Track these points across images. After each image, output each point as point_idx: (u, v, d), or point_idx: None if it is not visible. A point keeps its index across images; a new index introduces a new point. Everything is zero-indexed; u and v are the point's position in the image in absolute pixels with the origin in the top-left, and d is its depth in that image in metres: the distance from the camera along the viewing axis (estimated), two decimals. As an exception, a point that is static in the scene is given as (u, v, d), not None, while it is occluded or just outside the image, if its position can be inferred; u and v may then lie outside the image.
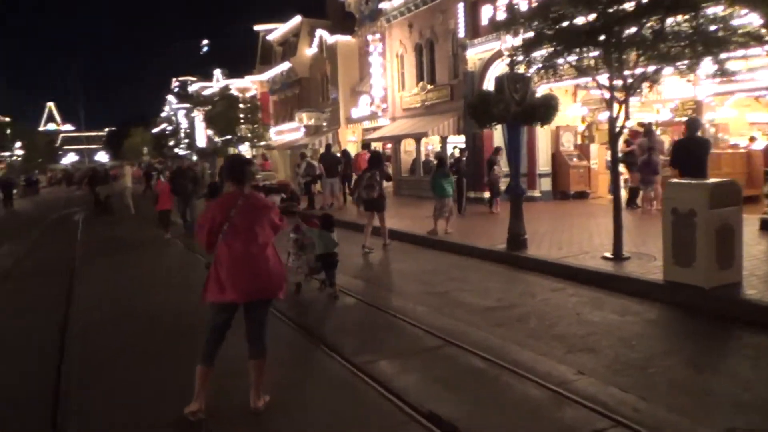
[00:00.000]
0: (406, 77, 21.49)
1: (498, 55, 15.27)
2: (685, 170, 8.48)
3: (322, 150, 21.67)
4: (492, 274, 8.29)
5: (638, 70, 7.51)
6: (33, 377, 4.93)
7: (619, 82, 7.66)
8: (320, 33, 26.88)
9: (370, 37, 22.14)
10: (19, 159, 64.15)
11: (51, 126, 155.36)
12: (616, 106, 7.83)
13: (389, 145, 23.15)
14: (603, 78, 7.89)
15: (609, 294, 6.71)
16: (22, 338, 6.17)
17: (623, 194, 13.30)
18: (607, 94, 7.92)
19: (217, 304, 3.82)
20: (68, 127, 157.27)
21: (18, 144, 65.56)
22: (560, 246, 9.08)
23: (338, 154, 19.41)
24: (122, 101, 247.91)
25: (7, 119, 67.97)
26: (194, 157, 42.80)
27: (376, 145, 23.92)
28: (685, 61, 7.16)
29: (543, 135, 15.68)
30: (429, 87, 20.01)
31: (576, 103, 16.44)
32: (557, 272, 7.79)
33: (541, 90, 10.19)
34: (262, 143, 31.75)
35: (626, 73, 7.61)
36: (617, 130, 7.99)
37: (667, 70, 7.71)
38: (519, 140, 9.11)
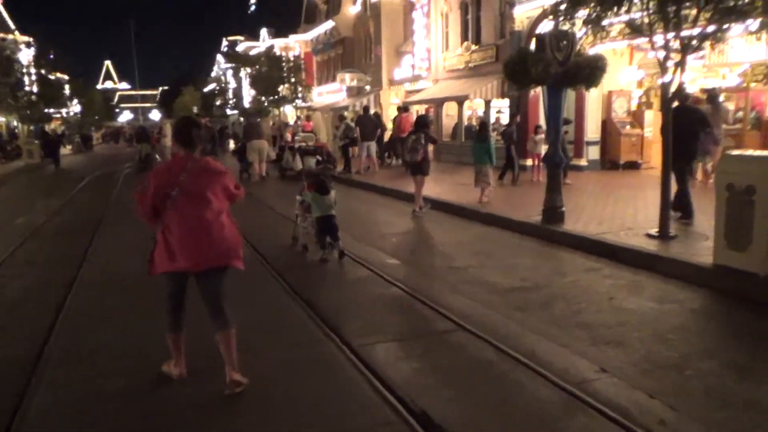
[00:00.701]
0: (450, 37, 20.51)
1: (544, 15, 14.21)
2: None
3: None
4: (522, 249, 7.70)
5: (697, 30, 6.63)
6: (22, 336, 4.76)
7: (676, 44, 6.81)
8: (364, -10, 25.99)
9: (414, -6, 21.17)
10: (77, 116, 66.12)
11: (108, 84, 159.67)
12: (670, 68, 6.98)
13: (430, 109, 22.35)
14: (659, 38, 7.03)
15: (649, 277, 6.05)
16: (23, 294, 6.06)
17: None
18: (661, 54, 7.06)
19: (167, 273, 3.64)
20: (124, 85, 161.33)
21: (75, 101, 67.59)
22: (600, 221, 8.36)
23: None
24: (176, 61, 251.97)
25: (66, 77, 69.99)
26: (241, 119, 42.90)
27: (418, 108, 23.18)
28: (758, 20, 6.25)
29: (593, 100, 14.63)
30: (473, 47, 19.02)
31: (631, 66, 15.22)
32: (594, 250, 7.14)
33: (592, 52, 9.32)
34: (304, 104, 31.37)
35: (684, 33, 6.74)
36: (670, 95, 7.14)
37: (736, 29, 6.79)
38: (560, 105, 8.33)
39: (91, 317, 5.33)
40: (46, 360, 4.33)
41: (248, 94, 41.35)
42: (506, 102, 17.42)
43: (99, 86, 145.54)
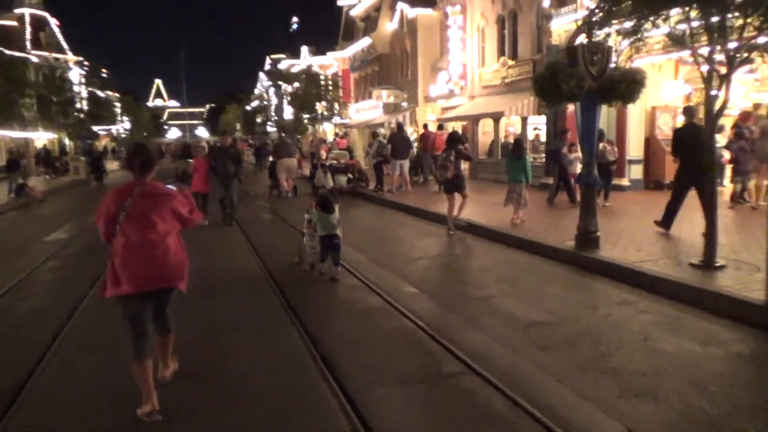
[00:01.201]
0: (486, 52, 20.09)
1: (582, 29, 13.63)
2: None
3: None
4: (552, 277, 7.14)
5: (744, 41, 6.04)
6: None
7: (721, 56, 6.22)
8: (401, 6, 25.83)
9: (449, 9, 20.84)
10: (126, 132, 68.35)
11: (158, 101, 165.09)
12: (715, 83, 6.38)
13: (467, 126, 21.87)
14: (704, 50, 6.45)
15: (691, 313, 5.43)
16: (25, 319, 5.89)
17: (729, 186, 11.52)
18: (705, 68, 6.47)
19: (120, 297, 3.61)
20: (173, 103, 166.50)
21: (125, 118, 69.91)
22: (639, 247, 7.73)
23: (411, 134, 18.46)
24: (223, 78, 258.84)
25: (116, 94, 72.59)
26: (282, 135, 43.40)
27: (454, 125, 22.75)
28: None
29: (635, 116, 13.91)
30: (510, 62, 18.53)
31: (677, 81, 14.45)
32: (630, 279, 6.54)
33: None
34: (342, 121, 31.37)
35: (730, 45, 6.15)
36: (716, 110, 6.53)
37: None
38: (594, 123, 7.78)
39: (83, 346, 5.08)
40: (24, 398, 4.07)
41: (289, 112, 41.84)
42: (543, 119, 16.81)
43: (149, 104, 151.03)
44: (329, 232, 7.03)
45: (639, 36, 7.00)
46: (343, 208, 15.47)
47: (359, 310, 5.95)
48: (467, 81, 20.97)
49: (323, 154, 21.79)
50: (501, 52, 19.19)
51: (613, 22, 7.21)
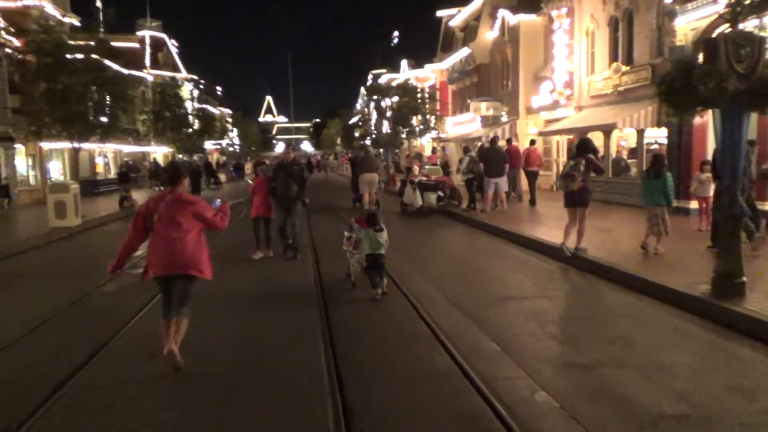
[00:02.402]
0: (596, 58, 18.12)
1: (720, 22, 11.52)
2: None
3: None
4: (680, 336, 5.48)
5: None
6: None
7: None
8: (502, 13, 24.33)
9: (555, 13, 19.10)
10: (234, 147, 71.52)
11: (268, 117, 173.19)
12: None
13: (573, 140, 19.89)
14: None
15: None
16: (30, 364, 5.18)
17: None
18: None
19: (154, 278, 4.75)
20: (282, 118, 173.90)
21: (234, 133, 73.26)
22: (804, 299, 5.85)
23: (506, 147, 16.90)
24: (329, 95, 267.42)
25: (228, 110, 76.39)
26: (381, 149, 43.08)
27: (558, 139, 20.88)
28: None
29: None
30: (624, 69, 16.48)
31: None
32: (796, 348, 4.78)
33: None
34: (438, 135, 30.26)
35: None
36: None
37: None
38: (740, 134, 6.03)
39: (83, 405, 4.23)
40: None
41: (386, 126, 41.42)
42: (663, 131, 14.63)
43: (261, 119, 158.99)
44: (375, 250, 6.88)
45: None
46: (430, 228, 14.55)
47: (416, 376, 4.59)
48: (574, 90, 19.07)
49: (416, 169, 20.75)
50: (613, 58, 17.17)
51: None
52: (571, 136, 19.35)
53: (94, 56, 17.91)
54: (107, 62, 18.80)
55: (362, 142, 53.48)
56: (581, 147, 9.08)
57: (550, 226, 11.66)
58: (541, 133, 21.12)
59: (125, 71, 20.60)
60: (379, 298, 6.77)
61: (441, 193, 16.16)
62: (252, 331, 5.85)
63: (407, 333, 5.68)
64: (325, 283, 7.78)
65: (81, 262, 10.56)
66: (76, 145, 18.04)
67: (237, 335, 5.76)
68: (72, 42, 17.47)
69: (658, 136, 15.79)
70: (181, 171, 4.86)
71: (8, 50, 18.52)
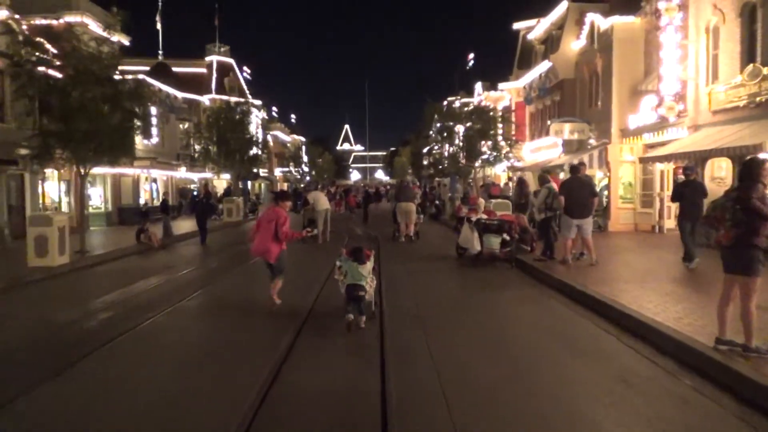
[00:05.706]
0: (720, 61, 13.78)
1: None
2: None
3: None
4: None
5: None
6: None
7: None
8: (591, 17, 20.26)
9: (662, 5, 14.89)
10: (302, 174, 70.08)
11: (346, 145, 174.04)
12: None
13: (678, 169, 15.37)
14: None
15: None
16: None
17: None
18: None
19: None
20: (359, 147, 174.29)
21: (305, 159, 72.01)
22: None
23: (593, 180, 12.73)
24: (404, 122, 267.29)
25: (302, 138, 75.48)
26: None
27: (664, 167, 16.49)
28: None
29: None
30: (765, 72, 12.08)
31: None
32: None
33: None
34: (514, 162, 26.26)
35: None
36: None
37: None
38: None
39: None
40: None
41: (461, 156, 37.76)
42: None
43: (338, 147, 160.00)
44: (355, 281, 6.97)
45: None
46: (483, 287, 10.41)
47: None
48: (687, 104, 14.72)
49: (481, 204, 16.90)
50: (749, 59, 12.80)
51: None
52: (678, 163, 14.93)
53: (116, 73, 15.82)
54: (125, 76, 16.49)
55: (431, 171, 50.16)
56: (744, 172, 5.27)
57: (680, 296, 7.60)
58: (641, 160, 16.76)
59: (141, 77, 18.33)
60: (363, 326, 6.82)
61: (507, 236, 12.29)
62: None
63: None
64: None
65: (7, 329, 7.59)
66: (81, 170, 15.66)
67: None
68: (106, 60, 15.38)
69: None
70: (286, 194, 8.91)
71: (41, 68, 16.68)
